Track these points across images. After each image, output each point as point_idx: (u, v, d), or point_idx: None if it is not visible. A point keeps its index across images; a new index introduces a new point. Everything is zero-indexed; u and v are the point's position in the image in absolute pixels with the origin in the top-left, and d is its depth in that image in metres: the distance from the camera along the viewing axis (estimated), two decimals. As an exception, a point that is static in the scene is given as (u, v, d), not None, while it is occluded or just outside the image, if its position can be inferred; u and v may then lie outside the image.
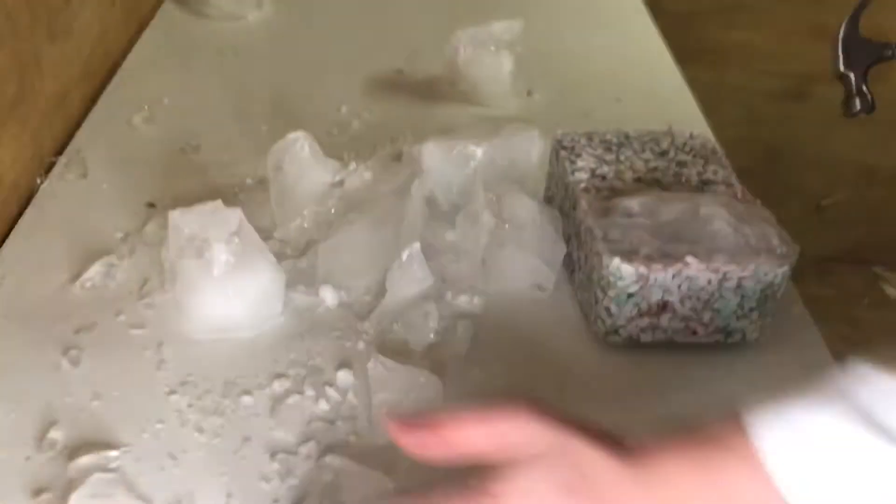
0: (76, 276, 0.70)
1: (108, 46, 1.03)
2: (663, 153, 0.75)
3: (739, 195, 0.70)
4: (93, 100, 0.96)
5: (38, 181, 0.82)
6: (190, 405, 0.60)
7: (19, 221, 0.77)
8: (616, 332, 0.65)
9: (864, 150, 1.84)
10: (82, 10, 0.94)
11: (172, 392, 0.61)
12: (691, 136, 0.78)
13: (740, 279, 0.63)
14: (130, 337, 0.65)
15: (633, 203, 0.66)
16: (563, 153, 0.74)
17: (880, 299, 1.91)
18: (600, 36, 1.19)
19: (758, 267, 0.62)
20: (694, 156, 0.75)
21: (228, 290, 0.63)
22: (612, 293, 0.63)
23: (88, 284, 0.70)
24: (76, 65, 0.93)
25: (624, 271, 0.62)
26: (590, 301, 0.67)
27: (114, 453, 0.56)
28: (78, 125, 0.92)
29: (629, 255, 0.62)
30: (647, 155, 0.75)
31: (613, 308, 0.64)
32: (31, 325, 0.66)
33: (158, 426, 0.58)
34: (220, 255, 0.61)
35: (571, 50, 1.14)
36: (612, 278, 0.62)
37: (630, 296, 0.63)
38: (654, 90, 1.05)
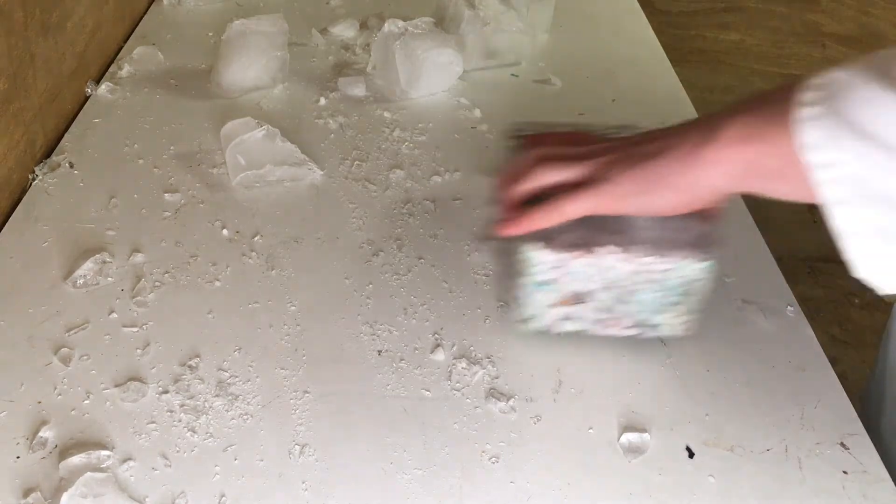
0: (68, 274, 0.70)
1: (102, 42, 1.02)
2: None
3: None
4: (86, 95, 0.96)
5: (31, 177, 0.82)
6: (182, 405, 0.60)
7: (11, 217, 0.77)
8: (534, 319, 0.65)
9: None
10: (76, 6, 0.93)
11: (164, 391, 0.61)
12: None
13: (661, 272, 0.61)
14: (123, 335, 0.65)
15: None
16: (514, 143, 0.72)
17: (871, 299, 1.92)
18: (595, 36, 1.19)
19: (679, 261, 0.61)
20: None
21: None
22: (528, 279, 0.62)
23: (80, 282, 0.69)
24: (69, 60, 0.92)
25: (540, 258, 0.61)
26: (513, 287, 0.66)
27: (105, 453, 0.56)
28: (71, 121, 0.92)
29: (546, 242, 0.61)
30: None
31: (530, 295, 0.63)
32: (22, 322, 0.66)
33: (150, 426, 0.58)
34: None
35: (566, 50, 1.14)
36: (528, 264, 0.61)
37: (547, 283, 0.62)
38: (650, 90, 1.06)
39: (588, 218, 0.61)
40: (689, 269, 0.61)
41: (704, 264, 0.61)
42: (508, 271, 0.66)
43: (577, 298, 0.63)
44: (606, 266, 0.61)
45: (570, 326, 0.65)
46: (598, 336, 0.65)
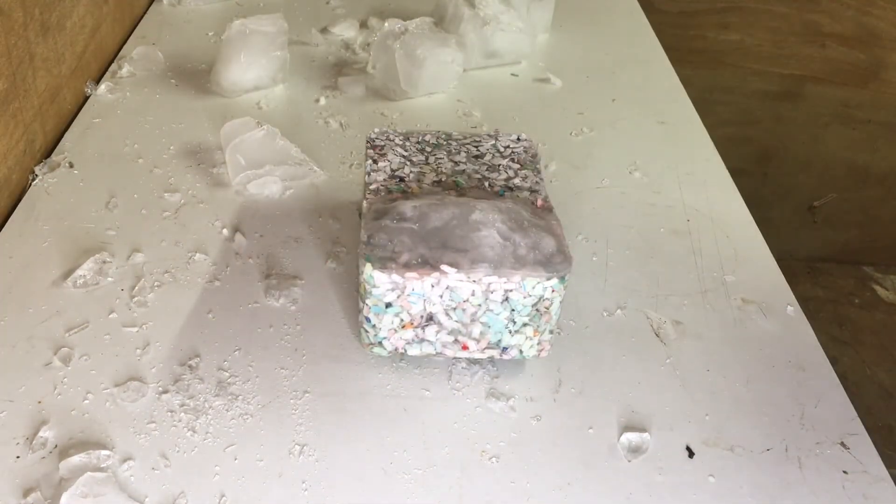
0: (68, 274, 0.70)
1: (101, 42, 1.02)
2: (479, 156, 0.71)
3: (539, 203, 0.65)
4: (86, 95, 0.96)
5: (31, 177, 0.82)
6: (182, 405, 0.60)
7: (11, 217, 0.77)
8: (380, 343, 0.61)
9: (857, 150, 1.85)
10: (76, 6, 0.94)
11: (164, 391, 0.61)
12: (518, 140, 0.73)
13: (507, 292, 0.58)
14: (123, 335, 0.65)
15: (408, 207, 0.61)
16: (370, 152, 0.70)
17: (871, 299, 1.92)
18: (595, 36, 1.19)
19: (523, 279, 0.58)
20: (511, 160, 0.70)
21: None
22: (370, 302, 0.59)
23: (80, 282, 0.69)
24: (69, 60, 0.92)
25: (378, 279, 0.57)
26: (356, 310, 0.62)
27: (105, 453, 0.56)
28: (71, 121, 0.92)
29: (385, 262, 0.57)
30: (461, 157, 0.70)
31: (373, 317, 0.60)
32: (22, 322, 0.66)
33: (150, 426, 0.58)
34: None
35: (566, 50, 1.14)
36: (367, 286, 0.58)
37: (389, 305, 0.59)
38: (650, 90, 1.06)
39: (434, 235, 0.59)
40: (535, 288, 0.58)
41: (551, 283, 0.58)
42: (357, 292, 0.62)
43: (425, 320, 0.60)
44: (447, 286, 0.58)
45: (420, 349, 0.62)
46: (457, 357, 0.62)
